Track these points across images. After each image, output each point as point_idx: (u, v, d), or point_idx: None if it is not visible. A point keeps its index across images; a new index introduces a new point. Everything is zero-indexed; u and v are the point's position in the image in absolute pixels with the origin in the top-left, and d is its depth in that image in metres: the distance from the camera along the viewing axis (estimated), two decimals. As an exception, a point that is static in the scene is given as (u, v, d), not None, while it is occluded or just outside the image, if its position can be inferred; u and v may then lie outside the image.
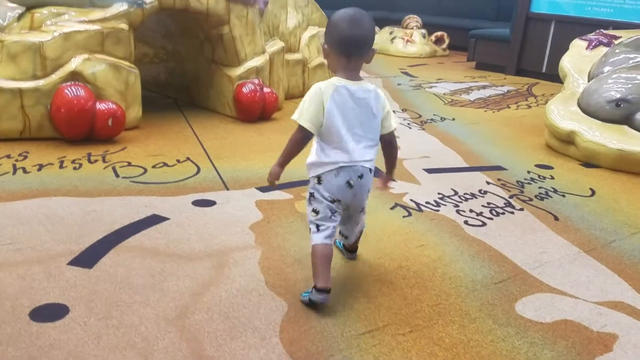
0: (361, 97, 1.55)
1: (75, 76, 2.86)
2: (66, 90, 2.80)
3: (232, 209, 2.23)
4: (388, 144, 1.68)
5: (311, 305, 1.58)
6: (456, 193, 2.56)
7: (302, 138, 1.58)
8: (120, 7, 3.00)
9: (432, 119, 3.99)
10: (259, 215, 2.19)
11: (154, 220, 2.09)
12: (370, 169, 1.61)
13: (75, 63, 2.86)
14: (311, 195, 1.62)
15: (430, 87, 5.25)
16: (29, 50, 2.77)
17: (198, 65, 3.73)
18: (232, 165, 2.75)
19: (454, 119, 4.03)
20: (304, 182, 2.26)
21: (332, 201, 1.60)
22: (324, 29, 1.63)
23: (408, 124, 3.82)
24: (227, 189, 2.45)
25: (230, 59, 3.54)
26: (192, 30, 3.59)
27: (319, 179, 1.59)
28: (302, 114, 1.54)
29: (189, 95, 3.93)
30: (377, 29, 7.84)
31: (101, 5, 3.01)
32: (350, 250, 1.88)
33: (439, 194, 2.54)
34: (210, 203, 2.28)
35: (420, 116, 4.07)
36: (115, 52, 3.00)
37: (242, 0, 3.46)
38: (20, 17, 3.01)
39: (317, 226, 1.61)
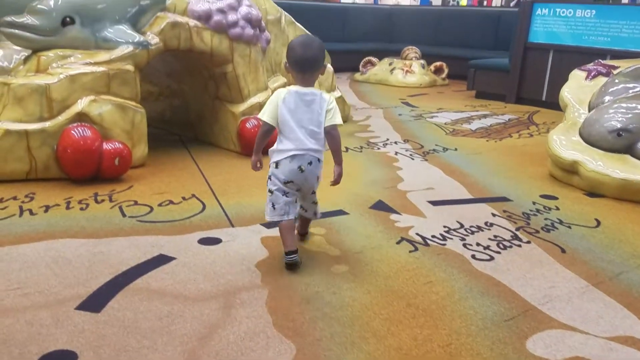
0: (308, 98, 1.96)
1: (81, 117, 2.89)
2: (73, 131, 2.83)
3: (238, 246, 2.24)
4: (329, 135, 2.01)
5: (289, 268, 2.02)
6: (462, 226, 2.56)
7: (265, 130, 2.02)
8: (126, 49, 3.06)
9: (434, 150, 4.01)
10: (265, 253, 2.19)
11: (161, 260, 2.09)
12: (318, 159, 2.00)
13: (82, 104, 2.90)
14: (269, 177, 2.03)
15: (432, 117, 5.28)
16: (35, 92, 2.81)
17: (202, 102, 3.78)
18: (236, 201, 2.76)
19: (456, 149, 4.04)
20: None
21: (286, 183, 1.99)
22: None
23: (410, 154, 3.84)
24: (233, 226, 2.45)
25: (233, 95, 3.59)
26: (196, 69, 3.65)
27: (276, 164, 1.99)
28: (264, 111, 1.98)
29: (194, 132, 3.98)
30: (376, 60, 7.96)
31: (107, 47, 3.07)
32: (301, 234, 2.27)
33: (444, 227, 2.54)
34: (216, 241, 2.28)
35: (422, 147, 4.09)
36: (122, 92, 3.04)
37: (245, 40, 3.52)
38: (26, 60, 3.07)
39: (273, 205, 2.02)
